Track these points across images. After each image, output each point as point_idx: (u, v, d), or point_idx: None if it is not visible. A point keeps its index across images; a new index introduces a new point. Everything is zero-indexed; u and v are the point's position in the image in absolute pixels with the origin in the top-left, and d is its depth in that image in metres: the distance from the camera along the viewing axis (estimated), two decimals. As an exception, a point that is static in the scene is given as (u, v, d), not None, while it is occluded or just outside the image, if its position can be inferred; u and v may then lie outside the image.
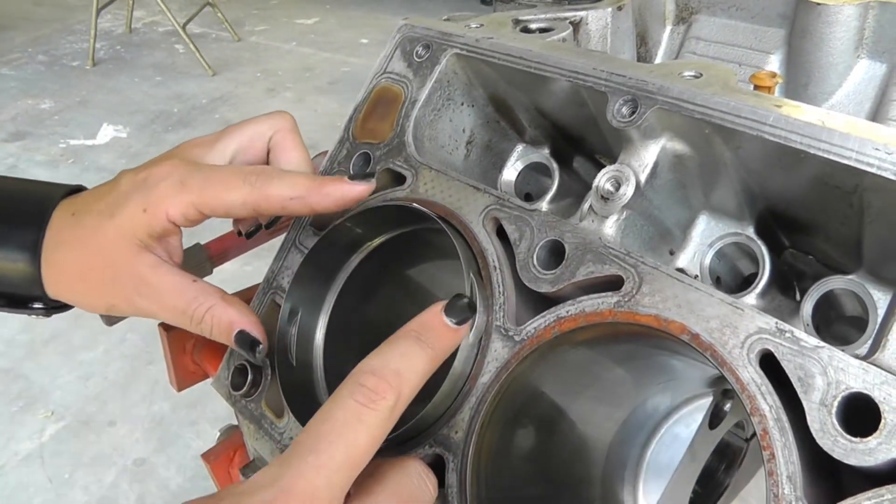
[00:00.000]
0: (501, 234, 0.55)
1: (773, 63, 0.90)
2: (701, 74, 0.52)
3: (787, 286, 0.58)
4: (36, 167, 3.71)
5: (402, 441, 0.52)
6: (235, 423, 0.78)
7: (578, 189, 0.71)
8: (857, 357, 0.38)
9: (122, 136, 4.03)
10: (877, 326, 0.49)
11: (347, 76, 4.59)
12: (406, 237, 0.63)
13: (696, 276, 0.58)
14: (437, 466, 0.50)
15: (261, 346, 0.57)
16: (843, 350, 0.39)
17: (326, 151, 0.70)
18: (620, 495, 0.65)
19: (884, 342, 0.38)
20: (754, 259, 0.56)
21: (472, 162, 0.71)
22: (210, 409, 2.26)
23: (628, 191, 0.51)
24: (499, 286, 0.53)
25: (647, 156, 0.52)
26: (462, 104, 0.69)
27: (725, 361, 0.42)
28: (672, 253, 0.60)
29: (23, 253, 0.57)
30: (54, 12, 5.82)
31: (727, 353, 0.42)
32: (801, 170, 0.46)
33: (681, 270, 0.57)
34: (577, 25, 0.83)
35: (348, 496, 0.43)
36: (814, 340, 0.39)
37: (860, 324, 0.52)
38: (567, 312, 0.49)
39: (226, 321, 0.56)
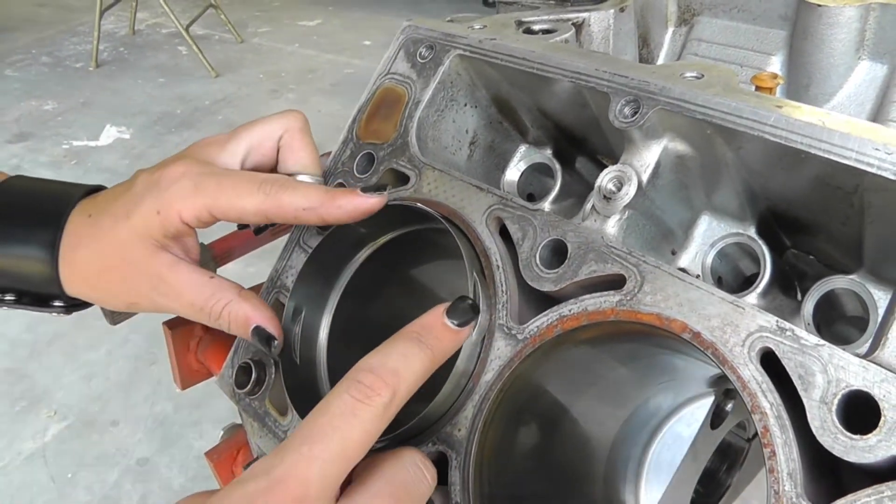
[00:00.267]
0: (504, 233, 0.56)
1: (775, 64, 0.90)
2: (702, 75, 0.52)
3: (788, 286, 0.59)
4: (39, 168, 3.73)
5: (405, 439, 0.52)
6: (239, 422, 0.78)
7: (581, 189, 0.71)
8: (857, 355, 0.38)
9: (125, 137, 4.04)
10: (877, 325, 0.49)
11: (350, 78, 4.59)
12: (409, 237, 0.63)
13: (697, 276, 0.59)
14: (441, 464, 0.51)
15: (276, 342, 0.58)
16: (843, 349, 0.39)
17: (330, 152, 0.71)
18: (622, 494, 0.66)
19: (884, 340, 0.38)
20: (756, 259, 0.57)
21: (475, 162, 0.72)
22: (212, 409, 2.26)
23: (630, 190, 0.52)
24: (502, 285, 0.53)
25: (648, 156, 0.53)
26: (465, 105, 0.69)
27: (726, 359, 0.42)
28: (674, 253, 0.61)
29: (41, 252, 0.58)
30: (58, 14, 5.85)
31: (728, 352, 0.42)
32: (801, 170, 0.47)
33: (683, 270, 0.57)
34: (579, 27, 0.83)
35: (344, 487, 0.43)
36: (814, 338, 0.40)
37: (861, 324, 0.52)
38: (569, 311, 0.49)
39: (242, 317, 0.58)
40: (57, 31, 5.52)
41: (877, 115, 0.83)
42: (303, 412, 0.56)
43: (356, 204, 0.56)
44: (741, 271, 0.61)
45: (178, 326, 0.78)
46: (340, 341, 0.64)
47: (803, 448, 0.39)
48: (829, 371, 0.39)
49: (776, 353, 0.40)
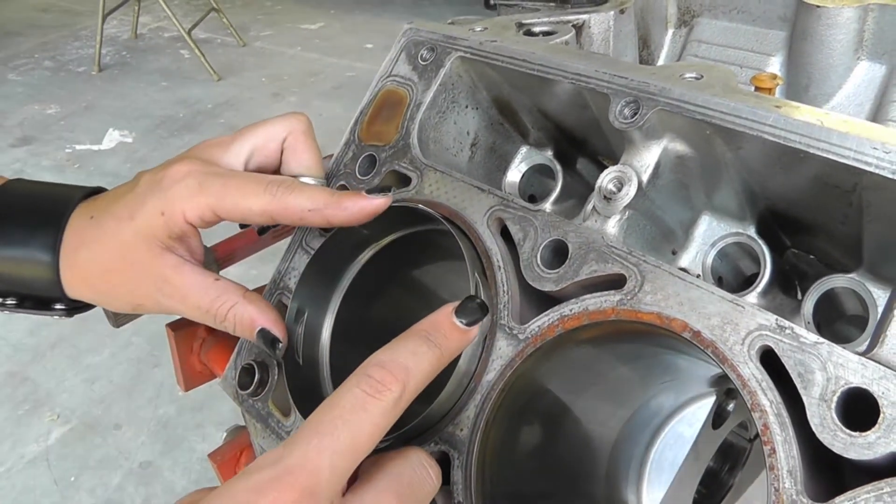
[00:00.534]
0: (505, 234, 0.56)
1: (774, 65, 0.91)
2: (702, 76, 0.52)
3: (788, 285, 0.59)
4: (42, 172, 3.73)
5: (408, 438, 0.52)
6: (241, 423, 0.79)
7: (581, 190, 0.71)
8: (856, 353, 0.39)
9: (128, 141, 4.05)
10: (876, 323, 0.49)
11: (352, 81, 4.60)
12: (411, 238, 0.64)
13: (698, 276, 0.59)
14: (443, 463, 0.51)
15: (281, 344, 0.58)
16: (842, 346, 0.39)
17: (332, 154, 0.71)
18: (624, 493, 0.66)
19: (882, 338, 0.39)
20: (756, 259, 0.57)
21: (476, 164, 0.72)
22: (215, 412, 2.27)
23: (630, 191, 0.52)
24: (503, 285, 0.53)
25: (648, 156, 0.53)
26: (466, 107, 0.69)
27: (726, 358, 0.42)
28: (674, 253, 0.61)
29: (42, 254, 0.58)
30: (61, 18, 5.86)
31: (728, 350, 0.42)
32: (800, 169, 0.47)
33: (683, 270, 0.57)
34: (579, 29, 0.83)
35: (349, 483, 0.43)
36: (813, 336, 0.40)
37: (861, 323, 0.53)
38: (570, 311, 0.50)
39: (248, 319, 0.58)
40: (60, 35, 5.54)
41: (876, 115, 0.83)
42: (306, 413, 0.56)
43: (361, 206, 0.56)
44: (741, 271, 0.61)
45: (181, 328, 0.78)
46: (343, 342, 0.64)
47: (803, 445, 0.39)
48: (828, 369, 0.39)
49: (776, 351, 0.41)
